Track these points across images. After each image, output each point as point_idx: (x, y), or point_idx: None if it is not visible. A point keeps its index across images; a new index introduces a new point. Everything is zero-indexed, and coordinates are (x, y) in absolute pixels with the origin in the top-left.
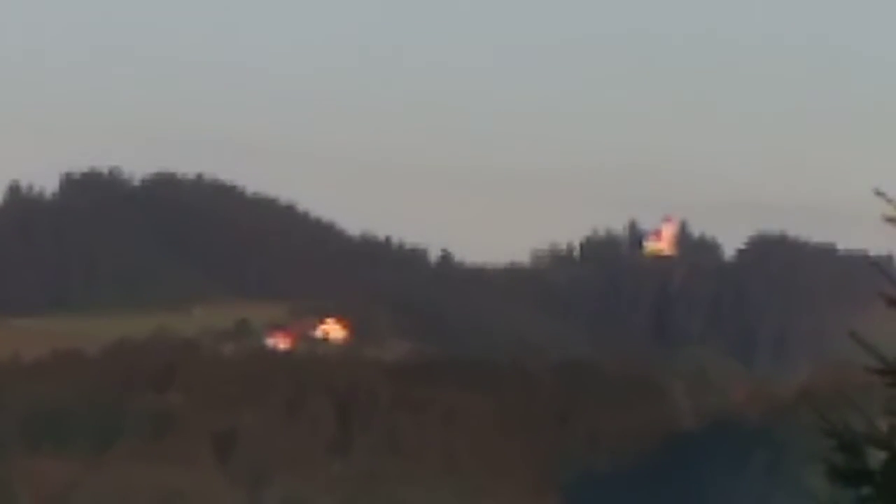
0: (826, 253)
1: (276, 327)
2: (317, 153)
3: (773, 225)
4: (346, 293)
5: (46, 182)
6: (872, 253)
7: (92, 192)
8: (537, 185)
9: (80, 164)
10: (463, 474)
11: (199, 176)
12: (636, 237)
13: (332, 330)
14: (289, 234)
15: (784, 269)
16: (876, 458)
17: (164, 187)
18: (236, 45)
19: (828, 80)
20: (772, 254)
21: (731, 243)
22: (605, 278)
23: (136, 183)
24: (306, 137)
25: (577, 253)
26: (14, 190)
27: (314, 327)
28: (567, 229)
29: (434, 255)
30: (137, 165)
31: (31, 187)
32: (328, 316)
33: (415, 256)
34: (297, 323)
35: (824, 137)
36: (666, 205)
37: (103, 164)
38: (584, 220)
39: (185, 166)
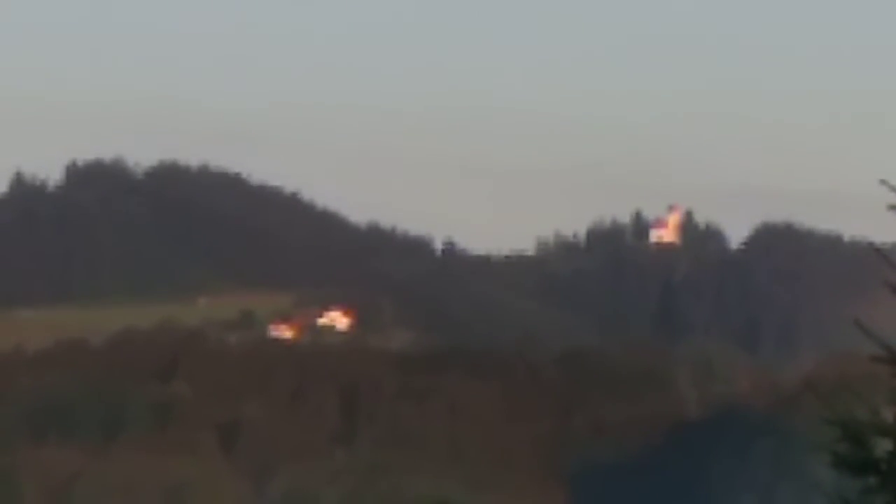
0: (832, 242)
1: (281, 317)
2: (321, 143)
3: (779, 214)
4: (351, 283)
5: (50, 172)
6: (878, 242)
7: (96, 183)
8: (542, 174)
9: (84, 154)
10: (468, 464)
11: (204, 166)
12: (641, 226)
13: (337, 320)
14: (293, 224)
15: (789, 258)
16: (881, 447)
17: (168, 177)
18: (240, 37)
19: (832, 70)
20: (777, 243)
21: (736, 232)
22: (610, 267)
23: (141, 173)
24: (311, 128)
25: (582, 242)
26: (18, 180)
27: (318, 317)
28: (572, 218)
29: (438, 244)
30: (141, 156)
31: (35, 177)
32: (332, 306)
33: (419, 246)
34: (302, 313)
35: (830, 126)
36: (671, 194)
37: (107, 154)
38: (589, 209)
39: (190, 156)
